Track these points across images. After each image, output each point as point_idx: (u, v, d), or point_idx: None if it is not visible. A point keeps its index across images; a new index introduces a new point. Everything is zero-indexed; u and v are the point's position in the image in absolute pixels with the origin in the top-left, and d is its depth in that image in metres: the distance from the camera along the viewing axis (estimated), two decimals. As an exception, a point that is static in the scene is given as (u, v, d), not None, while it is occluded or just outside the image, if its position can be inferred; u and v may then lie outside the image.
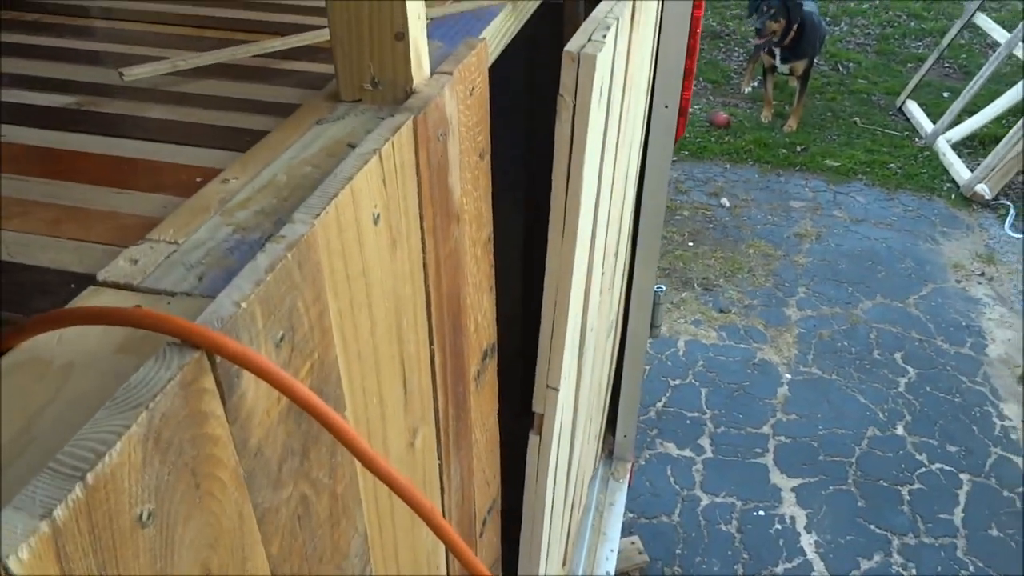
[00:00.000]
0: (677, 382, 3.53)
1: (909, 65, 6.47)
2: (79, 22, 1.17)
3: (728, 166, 5.19)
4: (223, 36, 1.12)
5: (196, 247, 0.64)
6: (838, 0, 7.69)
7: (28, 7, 1.18)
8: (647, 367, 3.30)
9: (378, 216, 0.74)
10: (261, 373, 0.50)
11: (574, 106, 1.09)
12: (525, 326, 1.52)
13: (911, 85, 5.88)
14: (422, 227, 0.86)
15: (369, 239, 0.73)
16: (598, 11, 1.20)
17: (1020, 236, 4.57)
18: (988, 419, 3.39)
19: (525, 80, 1.80)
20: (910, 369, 3.63)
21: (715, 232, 4.55)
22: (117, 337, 0.54)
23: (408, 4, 0.82)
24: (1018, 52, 5.05)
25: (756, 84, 6.04)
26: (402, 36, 0.83)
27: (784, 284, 4.15)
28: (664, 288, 2.12)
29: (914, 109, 5.74)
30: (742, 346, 3.74)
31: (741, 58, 6.57)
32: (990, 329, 3.89)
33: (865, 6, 7.58)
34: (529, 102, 1.86)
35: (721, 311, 3.95)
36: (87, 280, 0.62)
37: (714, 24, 7.03)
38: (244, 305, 0.53)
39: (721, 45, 6.82)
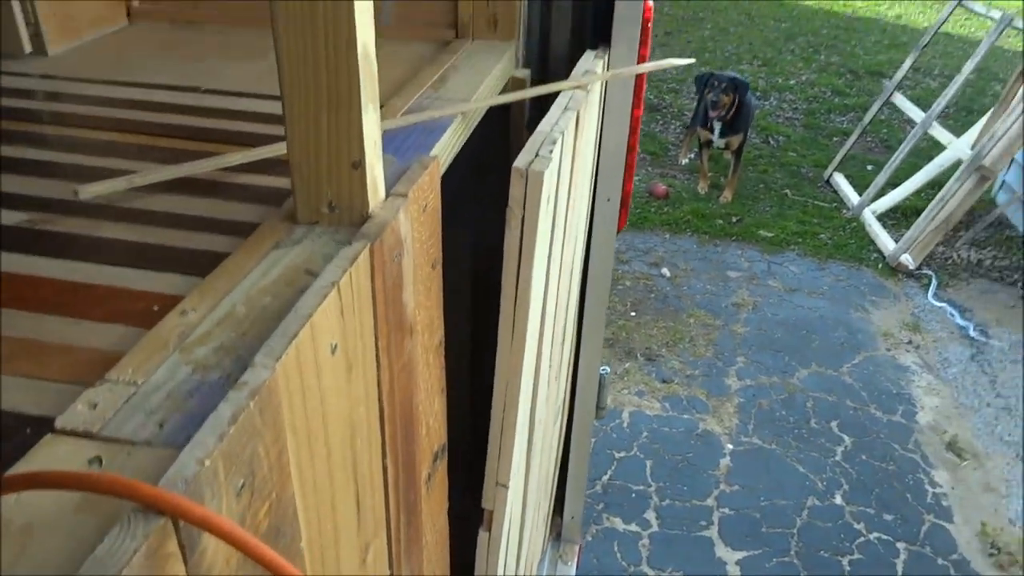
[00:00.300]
0: (622, 455, 3.56)
1: (835, 139, 6.81)
2: (31, 128, 1.17)
3: (668, 236, 5.34)
4: (178, 145, 1.14)
5: (156, 389, 0.65)
6: (767, 76, 8.09)
7: (-23, 112, 1.19)
8: (593, 439, 3.31)
9: (335, 346, 0.76)
10: (224, 536, 0.51)
11: (523, 218, 1.13)
12: (475, 415, 1.53)
13: (837, 158, 6.18)
14: (377, 347, 0.88)
15: (327, 370, 0.74)
16: (545, 123, 1.26)
17: (942, 305, 4.79)
18: (920, 486, 3.50)
19: (472, 174, 1.85)
20: (846, 438, 3.73)
21: (656, 302, 4.65)
22: (75, 495, 0.54)
23: (365, 134, 0.86)
24: (932, 131, 5.37)
25: (692, 156, 6.26)
26: (359, 164, 0.87)
27: (723, 354, 4.25)
28: (608, 370, 2.16)
29: (841, 181, 6.03)
30: (685, 416, 3.80)
31: (678, 130, 6.82)
32: (919, 396, 4.04)
33: (792, 82, 7.99)
34: (476, 190, 1.90)
35: (664, 381, 4.02)
36: (43, 423, 0.62)
37: (652, 98, 7.30)
38: (208, 463, 0.54)
39: (659, 118, 7.08)
